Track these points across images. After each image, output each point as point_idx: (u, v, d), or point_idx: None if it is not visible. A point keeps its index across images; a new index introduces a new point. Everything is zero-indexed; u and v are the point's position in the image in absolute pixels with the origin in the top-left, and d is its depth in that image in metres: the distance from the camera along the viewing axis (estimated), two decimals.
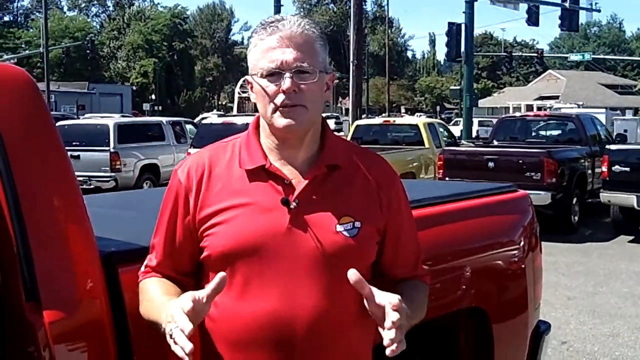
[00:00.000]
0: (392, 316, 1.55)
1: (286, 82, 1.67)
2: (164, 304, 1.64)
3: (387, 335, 1.55)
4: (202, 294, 1.53)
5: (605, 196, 11.42)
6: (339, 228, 1.72)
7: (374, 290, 1.61)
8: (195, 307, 1.51)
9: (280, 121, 1.69)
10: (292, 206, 1.71)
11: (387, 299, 1.58)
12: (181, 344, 1.46)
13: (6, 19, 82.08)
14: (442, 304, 2.78)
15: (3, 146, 1.72)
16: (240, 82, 47.15)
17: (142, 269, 1.83)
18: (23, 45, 69.26)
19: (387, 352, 1.55)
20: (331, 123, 30.19)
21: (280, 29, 1.70)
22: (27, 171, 1.75)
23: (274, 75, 1.69)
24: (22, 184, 1.73)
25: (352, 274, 1.59)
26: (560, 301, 7.41)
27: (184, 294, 1.57)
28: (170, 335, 1.50)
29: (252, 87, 1.76)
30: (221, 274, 1.55)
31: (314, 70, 1.70)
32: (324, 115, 1.86)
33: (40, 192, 1.77)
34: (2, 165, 1.71)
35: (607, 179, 11.36)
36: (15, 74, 1.84)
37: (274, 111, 1.70)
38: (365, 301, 1.61)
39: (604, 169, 11.47)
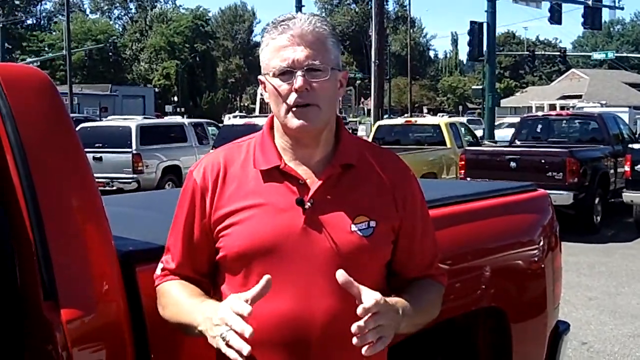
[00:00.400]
0: (361, 321, 1.53)
1: (298, 81, 1.66)
2: (195, 305, 1.65)
3: (357, 338, 1.54)
4: (247, 295, 1.53)
5: (628, 196, 11.30)
6: (354, 228, 1.71)
7: (362, 289, 1.58)
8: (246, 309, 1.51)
9: (293, 122, 1.69)
10: (306, 206, 1.70)
11: (368, 300, 1.56)
12: (238, 347, 1.47)
13: (29, 22, 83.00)
14: (461, 303, 2.78)
15: (22, 146, 1.74)
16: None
17: (159, 271, 1.83)
18: (46, 48, 70.01)
19: (363, 351, 1.54)
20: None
21: (291, 27, 1.70)
22: (45, 171, 1.77)
23: (285, 74, 1.68)
24: (41, 184, 1.75)
25: (340, 275, 1.58)
26: (581, 301, 7.35)
27: (230, 296, 1.57)
28: (224, 338, 1.50)
29: (265, 87, 1.76)
30: (266, 277, 1.55)
31: (326, 67, 1.70)
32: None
33: (58, 192, 1.79)
34: (20, 165, 1.74)
35: (630, 178, 11.25)
36: (32, 75, 1.87)
37: (287, 111, 1.70)
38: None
39: (627, 168, 11.35)
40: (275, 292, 1.68)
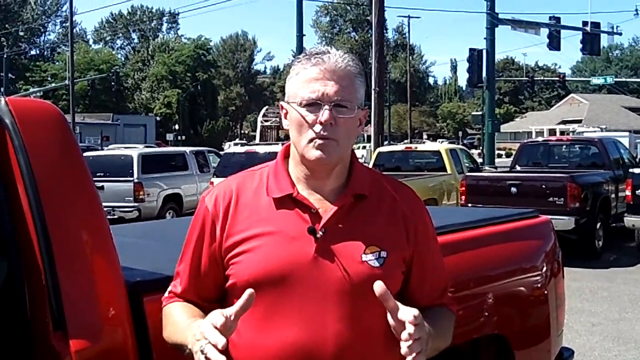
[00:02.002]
0: (409, 329, 1.55)
1: (325, 114, 1.69)
2: (189, 325, 1.65)
3: (406, 346, 1.55)
4: (230, 311, 1.54)
5: (629, 220, 11.30)
6: (365, 258, 1.72)
7: (399, 304, 1.60)
8: (226, 323, 1.52)
9: (313, 153, 1.72)
10: (318, 235, 1.72)
11: (407, 314, 1.58)
12: (214, 358, 1.47)
13: (33, 52, 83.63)
14: (463, 331, 2.78)
15: (34, 179, 1.78)
16: (263, 110, 47.43)
17: (166, 294, 1.85)
18: (49, 78, 70.47)
19: None
20: None
21: (325, 61, 1.73)
22: (56, 204, 1.81)
23: (313, 105, 1.71)
24: (52, 216, 1.78)
25: (378, 286, 1.59)
26: (584, 327, 7.32)
27: (211, 312, 1.57)
28: (202, 351, 1.50)
29: (286, 114, 1.79)
30: (249, 291, 1.56)
31: (352, 105, 1.73)
32: None
33: (69, 224, 1.83)
34: (32, 196, 1.77)
35: (631, 202, 11.25)
36: (46, 110, 1.91)
37: (309, 141, 1.72)
38: (388, 315, 1.61)
39: (628, 192, 11.37)
40: (285, 321, 1.69)
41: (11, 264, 1.83)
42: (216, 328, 1.50)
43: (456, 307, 1.97)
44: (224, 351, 1.48)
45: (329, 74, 1.72)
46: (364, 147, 37.41)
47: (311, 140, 1.72)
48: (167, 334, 1.78)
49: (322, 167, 1.75)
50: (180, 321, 1.74)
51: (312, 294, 1.70)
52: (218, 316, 1.52)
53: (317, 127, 1.70)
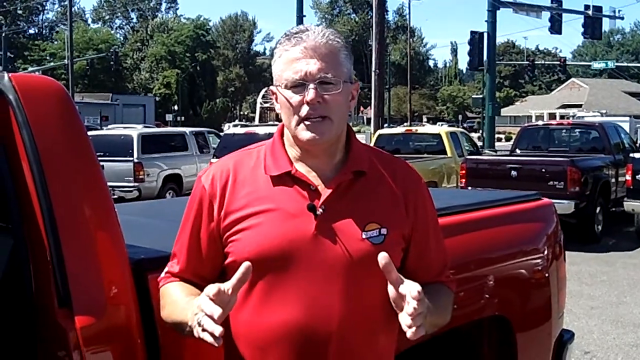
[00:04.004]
0: (412, 303, 1.54)
1: (310, 94, 1.67)
2: (189, 302, 1.64)
3: (406, 319, 1.55)
4: (227, 285, 1.53)
5: (629, 205, 11.33)
6: (365, 235, 1.71)
7: (401, 277, 1.60)
8: (222, 296, 1.51)
9: (304, 134, 1.70)
10: (318, 212, 1.70)
11: (408, 288, 1.57)
12: (210, 329, 1.47)
13: (31, 31, 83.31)
14: (465, 312, 2.79)
15: (37, 153, 1.77)
16: (262, 92, 47.32)
17: (163, 274, 1.84)
18: (48, 57, 70.21)
19: (408, 334, 1.55)
20: None
21: (304, 39, 1.70)
22: (60, 178, 1.80)
23: (298, 86, 1.69)
24: (56, 191, 1.77)
25: (382, 257, 1.58)
26: (583, 311, 7.36)
27: (208, 286, 1.55)
28: (199, 323, 1.50)
29: (276, 98, 1.77)
30: (246, 264, 1.55)
31: (338, 80, 1.70)
32: None
33: (73, 199, 1.82)
34: (36, 172, 1.77)
35: (631, 187, 11.27)
36: (49, 86, 1.90)
37: (299, 123, 1.70)
38: (389, 287, 1.61)
39: (628, 177, 11.38)
40: (285, 299, 1.69)
41: (16, 240, 1.82)
42: (211, 299, 1.50)
43: (455, 285, 1.96)
44: (222, 325, 1.48)
45: (310, 52, 1.69)
46: (361, 132, 37.33)
47: (300, 122, 1.70)
48: (166, 313, 1.76)
49: (316, 147, 1.73)
50: (178, 299, 1.72)
51: (313, 271, 1.69)
52: (213, 288, 1.51)
53: (305, 108, 1.69)
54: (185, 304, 1.66)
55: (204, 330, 1.48)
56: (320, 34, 1.72)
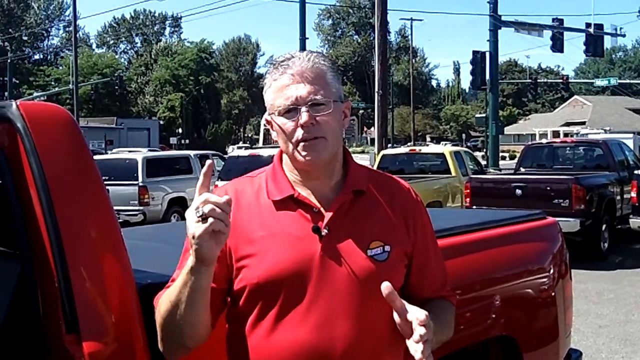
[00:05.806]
0: (419, 330, 1.58)
1: (303, 117, 1.72)
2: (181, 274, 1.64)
3: (416, 348, 1.58)
4: (204, 191, 1.57)
5: (635, 222, 11.31)
6: (370, 253, 1.74)
7: (406, 304, 1.63)
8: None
9: (301, 156, 1.74)
10: (323, 233, 1.73)
11: (414, 315, 1.61)
12: (214, 200, 1.52)
13: (36, 57, 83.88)
14: (471, 333, 2.79)
15: (45, 182, 1.79)
16: (266, 114, 47.48)
17: (156, 297, 1.79)
18: (53, 83, 70.64)
19: None
20: None
21: (290, 66, 1.76)
22: (68, 205, 1.82)
23: (290, 111, 1.74)
24: (63, 217, 1.79)
25: (385, 287, 1.61)
26: (591, 329, 7.32)
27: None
28: (200, 217, 1.52)
29: (272, 126, 1.81)
30: (208, 162, 1.61)
31: (328, 101, 1.75)
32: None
33: (80, 225, 1.84)
34: (44, 199, 1.78)
35: (637, 204, 11.25)
36: (56, 113, 1.93)
37: (295, 146, 1.75)
38: (394, 314, 1.63)
39: (633, 194, 11.37)
40: (294, 321, 1.70)
41: (24, 265, 1.83)
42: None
43: (456, 299, 1.99)
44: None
45: (298, 77, 1.74)
46: (365, 152, 37.30)
47: (297, 145, 1.74)
48: (164, 308, 1.69)
49: (314, 167, 1.77)
50: (173, 286, 1.68)
51: (320, 292, 1.71)
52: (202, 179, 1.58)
53: (299, 131, 1.73)
54: (179, 281, 1.64)
55: (204, 218, 1.51)
56: (305, 58, 1.77)
